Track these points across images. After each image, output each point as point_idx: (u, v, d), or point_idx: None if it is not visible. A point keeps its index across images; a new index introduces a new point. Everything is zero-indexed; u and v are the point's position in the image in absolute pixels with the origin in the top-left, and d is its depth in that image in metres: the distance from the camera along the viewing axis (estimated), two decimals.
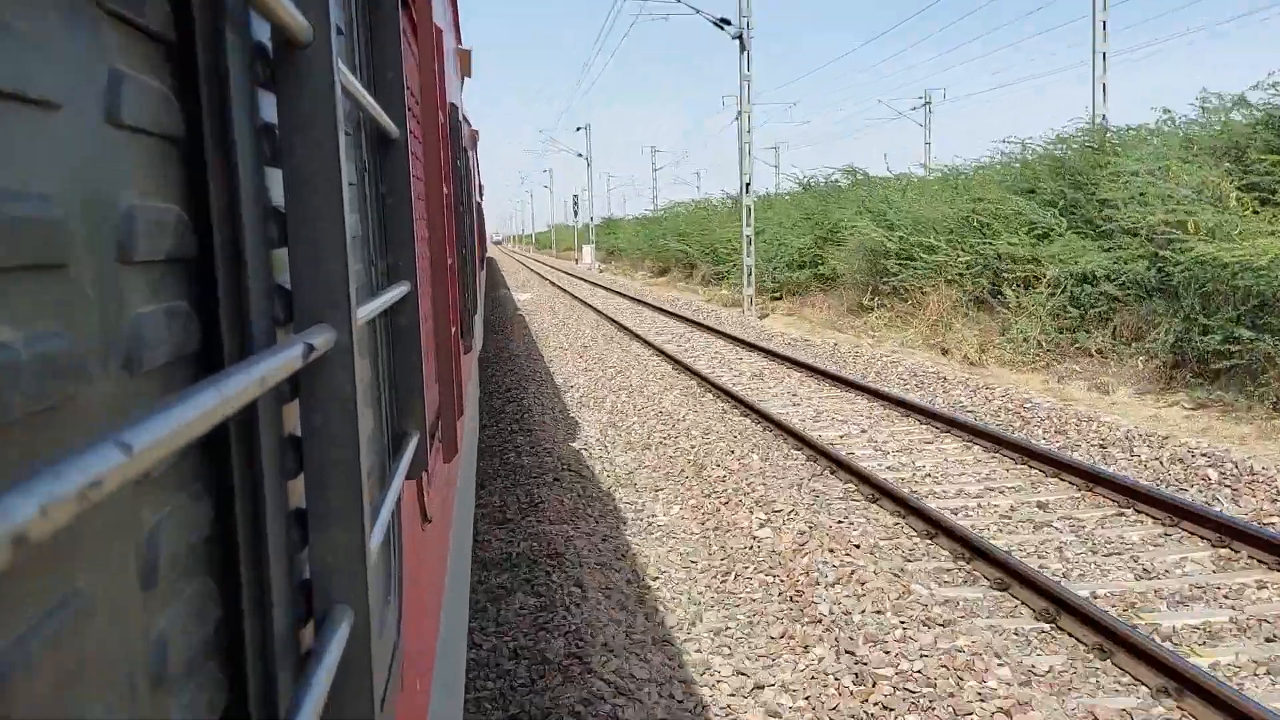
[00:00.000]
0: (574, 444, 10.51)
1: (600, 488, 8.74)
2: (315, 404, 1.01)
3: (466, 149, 8.70)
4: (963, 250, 18.52)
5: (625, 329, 21.18)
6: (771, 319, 24.54)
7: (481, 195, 23.34)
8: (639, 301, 29.56)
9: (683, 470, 9.14)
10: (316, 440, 1.01)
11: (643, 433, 10.83)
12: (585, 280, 45.00)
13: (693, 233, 41.00)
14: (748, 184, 25.88)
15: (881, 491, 7.81)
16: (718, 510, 7.80)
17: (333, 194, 0.99)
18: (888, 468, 8.89)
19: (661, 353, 16.91)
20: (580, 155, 65.00)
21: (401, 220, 1.87)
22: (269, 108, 0.99)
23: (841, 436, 10.24)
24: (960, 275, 18.31)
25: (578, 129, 65.33)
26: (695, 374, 14.18)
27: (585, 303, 29.53)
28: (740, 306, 26.20)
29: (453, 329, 3.16)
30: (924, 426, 10.47)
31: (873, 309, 20.89)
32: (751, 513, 7.54)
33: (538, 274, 53.70)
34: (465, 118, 9.50)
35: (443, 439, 2.98)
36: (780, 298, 28.12)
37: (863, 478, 8.20)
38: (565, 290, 36.30)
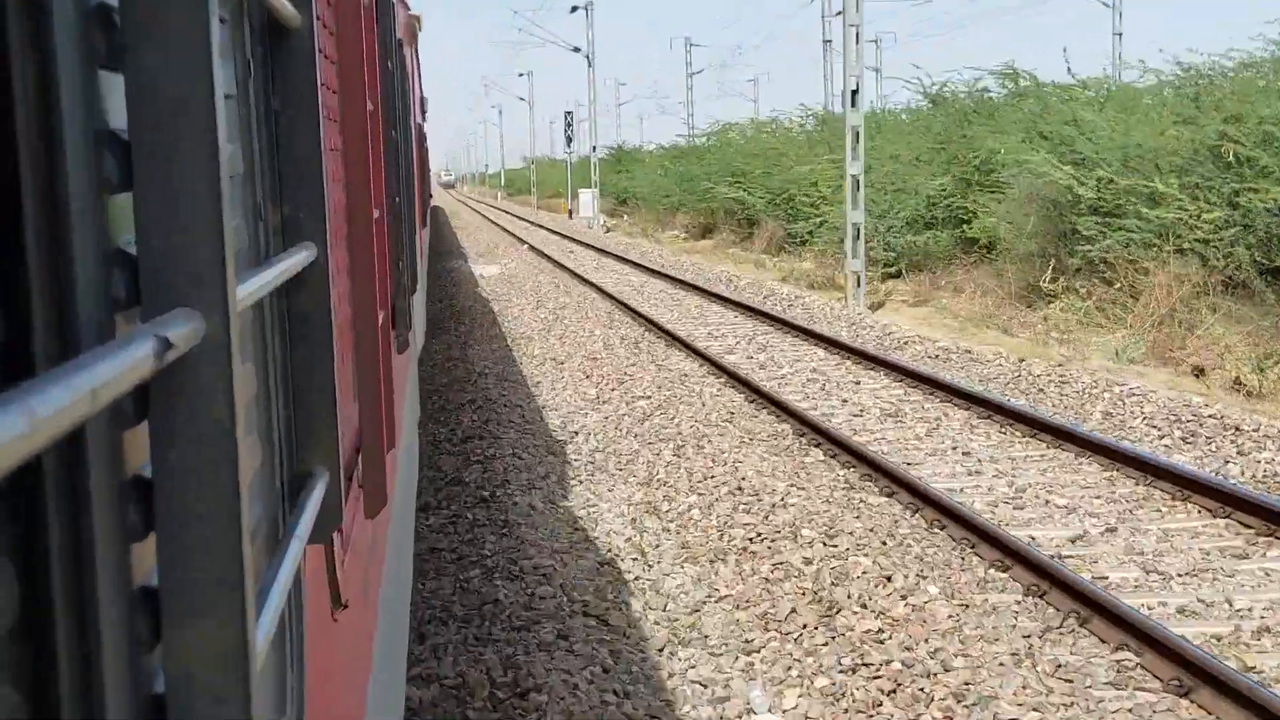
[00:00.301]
0: (588, 555, 8.90)
1: (646, 655, 7.10)
2: (173, 429, 1.01)
3: (402, 43, 8.74)
4: (1209, 201, 17.46)
5: (657, 327, 19.95)
6: (891, 310, 23.01)
7: (425, 114, 23.37)
8: (676, 281, 28.02)
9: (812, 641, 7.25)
10: (174, 484, 1.01)
11: (706, 526, 9.33)
12: (584, 244, 43.00)
13: (755, 171, 39.70)
14: (855, 90, 23.40)
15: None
16: None
17: (199, 110, 0.99)
18: (1180, 612, 7.46)
19: (722, 370, 15.69)
20: (576, 50, 60.71)
21: (303, 151, 1.88)
22: None
23: (1075, 539, 8.86)
24: (1205, 242, 17.26)
25: (573, 8, 59.95)
26: (787, 411, 12.97)
27: (588, 281, 28.32)
28: (839, 291, 24.60)
29: (380, 315, 3.17)
30: (1224, 521, 8.96)
31: (1056, 295, 19.60)
32: None
33: (510, 233, 51.58)
34: None
35: (365, 482, 2.98)
36: (898, 274, 26.41)
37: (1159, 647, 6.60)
38: (554, 261, 35.05)
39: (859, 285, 23.12)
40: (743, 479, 10.36)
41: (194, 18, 0.98)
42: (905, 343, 18.28)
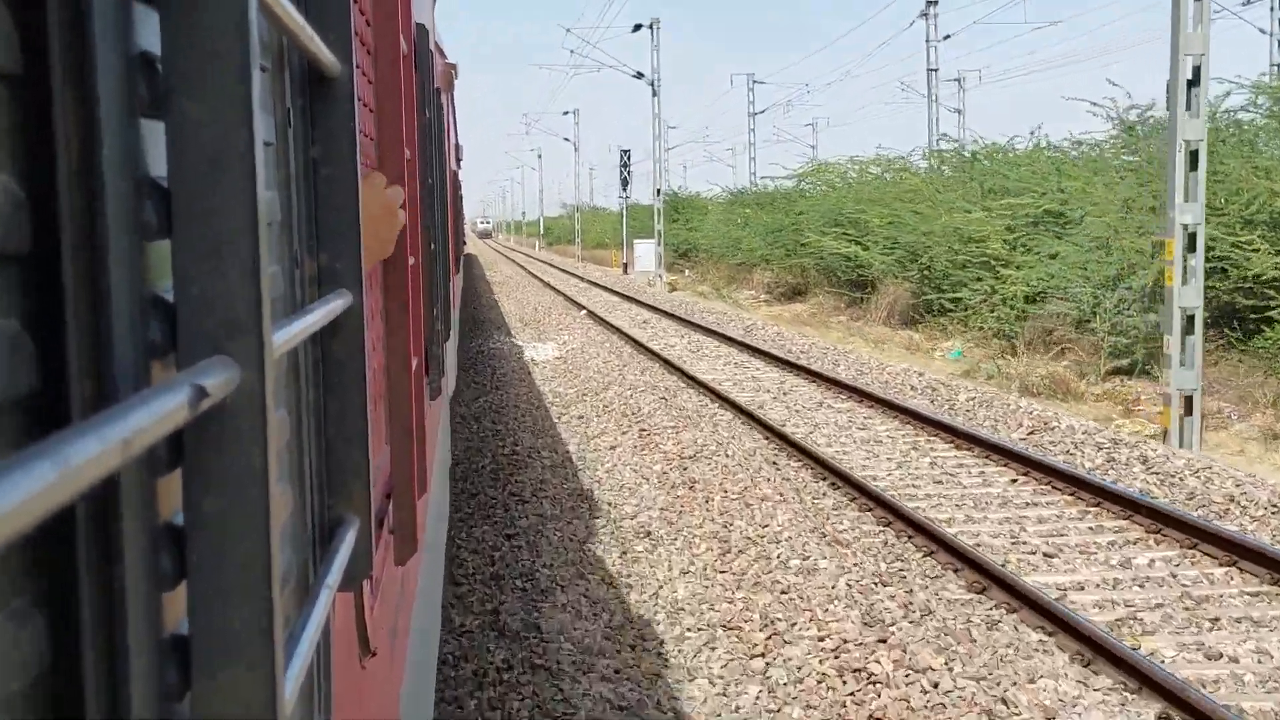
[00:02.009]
0: None
1: None
2: (207, 477, 1.01)
3: (439, 91, 8.81)
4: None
5: (897, 514, 11.08)
6: (1231, 450, 15.17)
7: (459, 161, 23.47)
8: (821, 379, 19.80)
9: None
10: (207, 532, 1.00)
11: None
12: (653, 307, 35.79)
13: (873, 220, 33.29)
14: (1192, 81, 15.10)
15: None
16: None
17: (239, 158, 0.99)
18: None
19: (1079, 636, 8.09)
20: (639, 76, 50.94)
21: (341, 199, 1.88)
22: (149, 32, 0.99)
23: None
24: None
25: (636, 27, 50.05)
26: None
27: (691, 376, 20.26)
28: (1066, 399, 18.06)
29: (413, 362, 3.17)
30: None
31: None
32: None
33: (559, 291, 44.47)
34: (438, 46, 9.63)
35: (396, 529, 2.98)
36: (1131, 371, 19.65)
37: None
38: (627, 337, 27.68)
39: (1189, 414, 14.79)
40: None
41: (236, 67, 0.99)
42: None
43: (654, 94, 51.07)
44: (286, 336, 1.26)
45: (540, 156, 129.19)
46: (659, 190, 51.73)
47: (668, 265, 53.40)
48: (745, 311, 36.97)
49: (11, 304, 0.80)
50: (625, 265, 56.80)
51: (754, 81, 69.73)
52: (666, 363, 22.66)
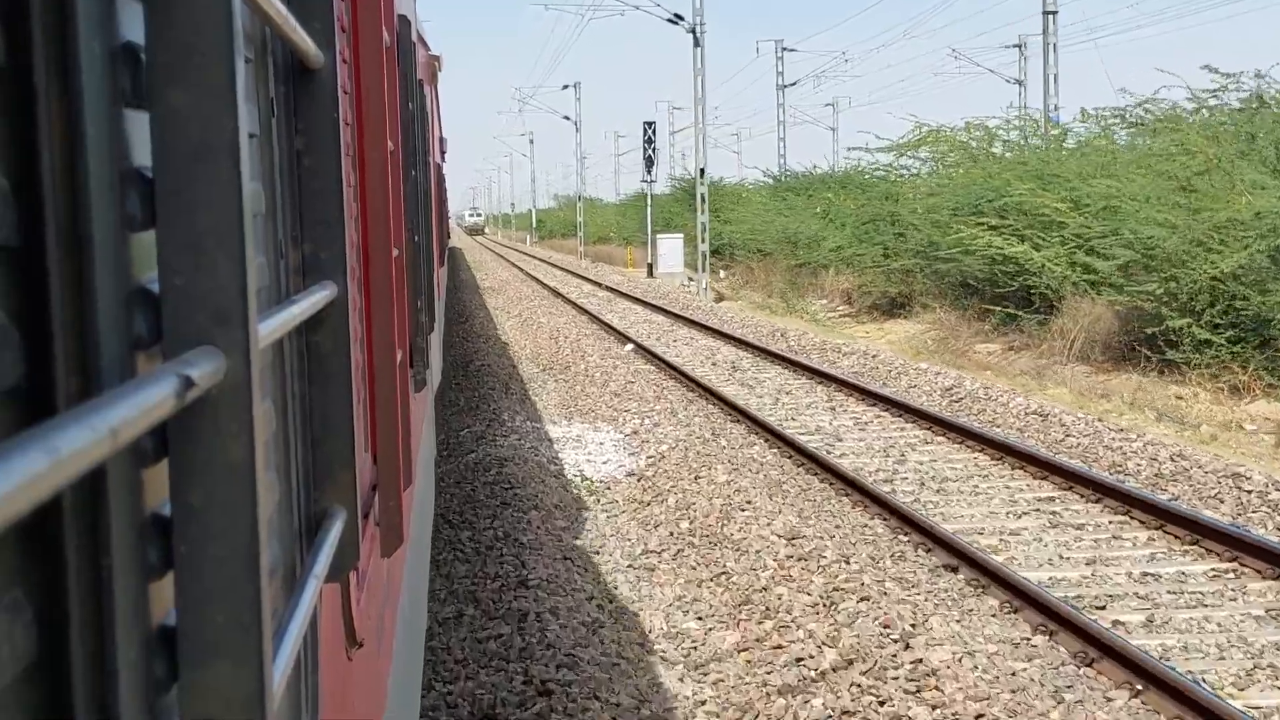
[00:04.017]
0: None
1: None
2: (193, 468, 1.01)
3: (422, 83, 8.79)
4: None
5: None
6: None
7: (444, 154, 23.46)
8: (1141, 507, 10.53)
9: None
10: (194, 523, 1.00)
11: None
12: (717, 333, 25.93)
13: (1106, 196, 22.09)
14: None
15: None
16: None
17: (223, 149, 0.99)
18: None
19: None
20: (677, 19, 37.45)
21: (325, 190, 1.88)
22: (133, 23, 0.99)
23: None
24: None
25: None
26: None
27: (927, 531, 10.18)
28: None
29: (398, 354, 3.17)
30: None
31: None
32: None
33: (577, 306, 33.62)
34: (421, 37, 9.61)
35: (381, 521, 2.98)
36: None
37: None
38: (732, 410, 16.62)
39: None
40: None
41: (220, 57, 0.99)
42: None
43: (696, 43, 36.99)
44: (272, 327, 1.26)
45: (532, 142, 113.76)
46: (703, 170, 37.85)
47: (693, 264, 42.41)
48: (839, 334, 27.43)
49: None
50: (650, 267, 44.58)
51: (782, 49, 58.66)
52: (822, 469, 13.19)
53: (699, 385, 18.91)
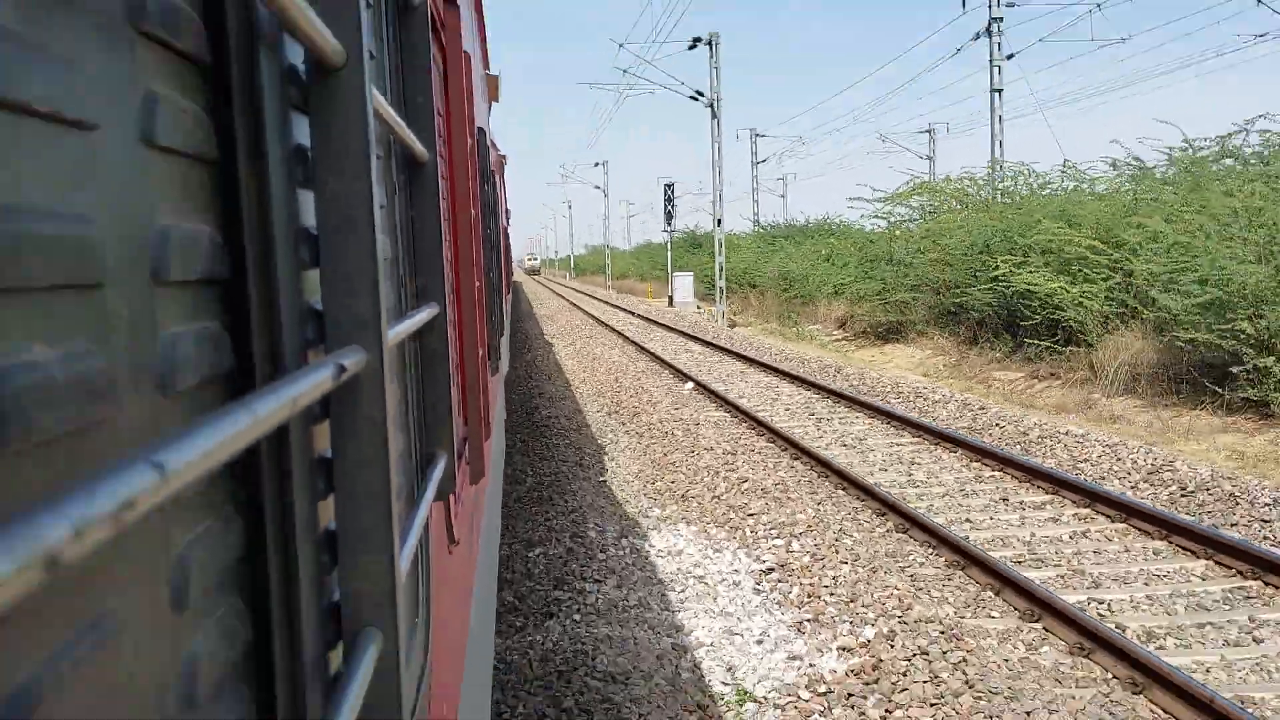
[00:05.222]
0: None
1: None
2: (346, 425, 1.01)
3: (494, 173, 8.77)
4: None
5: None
6: None
7: (509, 220, 23.46)
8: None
9: None
10: (347, 462, 1.00)
11: None
12: (747, 359, 18.07)
13: (1186, 229, 13.98)
14: None
15: None
16: None
17: (364, 216, 0.99)
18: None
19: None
20: (698, 96, 32.27)
21: (431, 242, 1.88)
22: (302, 130, 0.99)
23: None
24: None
25: (693, 43, 31.88)
26: None
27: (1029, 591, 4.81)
28: None
29: (480, 351, 3.16)
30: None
31: None
32: None
33: (625, 338, 24.29)
34: (493, 142, 9.58)
35: (470, 461, 2.98)
36: None
37: None
38: (812, 461, 9.37)
39: None
40: None
41: (360, 155, 0.99)
42: None
43: (713, 115, 32.21)
44: (397, 333, 1.26)
45: (570, 206, 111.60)
46: (719, 220, 33.23)
47: (700, 296, 37.58)
48: (852, 358, 20.80)
49: (216, 313, 0.80)
50: (670, 298, 38.52)
51: (756, 135, 53.47)
52: (919, 531, 7.20)
53: (763, 426, 11.12)
